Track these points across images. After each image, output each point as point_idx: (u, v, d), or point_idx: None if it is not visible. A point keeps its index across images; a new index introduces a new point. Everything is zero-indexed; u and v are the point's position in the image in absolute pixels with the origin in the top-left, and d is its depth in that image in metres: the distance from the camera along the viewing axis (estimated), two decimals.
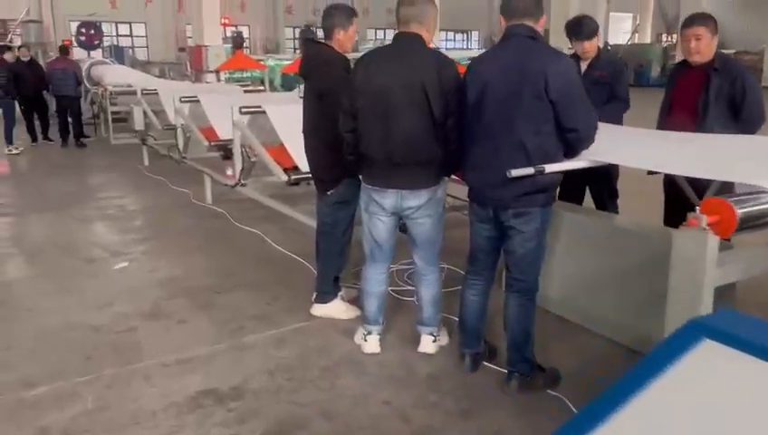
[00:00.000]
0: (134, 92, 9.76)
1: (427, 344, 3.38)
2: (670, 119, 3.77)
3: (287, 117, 5.55)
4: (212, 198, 6.87)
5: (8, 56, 10.85)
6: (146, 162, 9.20)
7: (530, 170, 2.68)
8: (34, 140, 11.40)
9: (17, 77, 10.75)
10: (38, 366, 3.28)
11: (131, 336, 3.64)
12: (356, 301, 3.99)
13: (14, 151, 10.44)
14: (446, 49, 25.76)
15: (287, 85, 15.77)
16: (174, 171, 8.06)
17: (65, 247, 5.35)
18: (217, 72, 13.85)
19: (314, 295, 3.96)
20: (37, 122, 11.53)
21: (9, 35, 19.51)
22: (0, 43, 12.62)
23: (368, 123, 3.07)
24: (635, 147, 3.28)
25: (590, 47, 4.20)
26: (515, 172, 2.67)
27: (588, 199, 4.44)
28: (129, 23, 28.21)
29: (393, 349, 3.44)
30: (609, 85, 4.16)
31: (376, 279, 3.36)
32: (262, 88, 10.04)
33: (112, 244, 5.49)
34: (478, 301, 3.11)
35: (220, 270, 4.76)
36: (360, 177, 3.28)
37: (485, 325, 3.21)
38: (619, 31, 36.67)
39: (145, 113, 9.05)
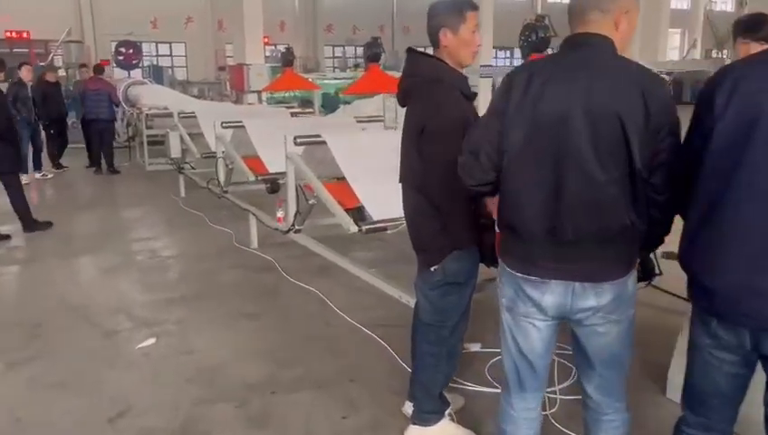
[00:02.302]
0: (171, 115, 8.83)
1: None
2: None
3: (350, 148, 4.56)
4: (257, 240, 5.82)
5: (24, 73, 9.58)
6: (182, 193, 8.23)
7: None
8: (59, 166, 10.60)
9: (45, 99, 9.94)
10: None
11: None
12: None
13: (38, 176, 9.64)
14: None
15: (329, 106, 14.78)
16: (213, 204, 7.03)
17: (80, 312, 4.30)
18: (259, 92, 12.92)
19: (409, 407, 2.82)
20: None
21: (51, 56, 19.06)
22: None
23: (523, 176, 1.93)
24: None
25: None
26: None
27: None
28: (169, 42, 27.86)
29: None
30: None
31: (525, 418, 2.17)
32: (311, 111, 9.04)
33: (139, 306, 4.43)
34: None
35: (274, 353, 3.64)
36: (500, 257, 2.13)
37: None
38: (668, 47, 34.98)
39: (182, 139, 8.09)
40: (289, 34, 29.57)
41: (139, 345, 3.75)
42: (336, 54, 32.46)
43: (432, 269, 2.54)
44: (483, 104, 2.29)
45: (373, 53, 6.52)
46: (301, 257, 5.25)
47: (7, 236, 6.14)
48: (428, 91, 2.43)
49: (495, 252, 2.52)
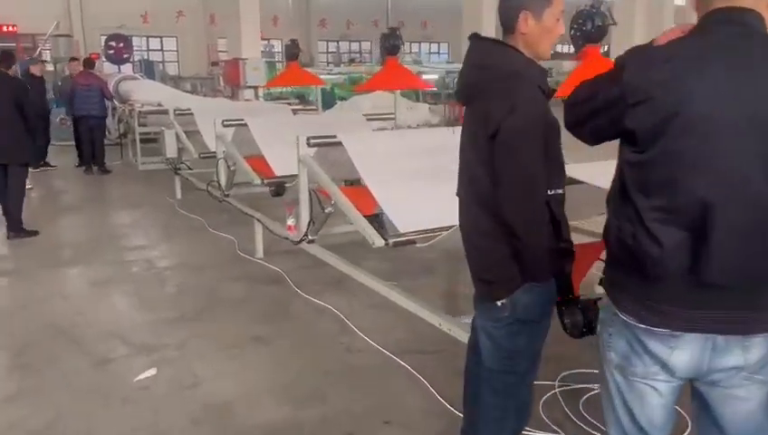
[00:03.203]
0: (165, 112, 8.32)
1: None
2: None
3: (369, 150, 4.13)
4: (263, 248, 5.35)
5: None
6: (178, 195, 7.73)
7: None
8: (46, 165, 10.07)
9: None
10: None
11: None
12: None
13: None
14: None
15: (325, 102, 14.29)
16: (212, 207, 6.53)
17: (68, 335, 3.82)
18: (256, 88, 12.40)
19: None
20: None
21: (38, 50, 18.41)
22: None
23: (654, 196, 1.47)
24: None
25: None
26: None
27: None
28: (161, 37, 27.26)
29: None
30: None
31: None
32: (313, 108, 8.53)
33: (135, 328, 3.94)
34: None
35: (291, 386, 3.18)
36: (610, 297, 1.67)
37: None
38: None
39: (178, 137, 7.58)
40: (282, 29, 29.06)
41: (138, 377, 3.27)
42: (330, 49, 32.02)
43: (499, 304, 2.07)
44: None
45: (391, 44, 5.99)
46: (312, 268, 4.79)
47: None
48: (503, 86, 1.94)
49: (572, 281, 2.12)
